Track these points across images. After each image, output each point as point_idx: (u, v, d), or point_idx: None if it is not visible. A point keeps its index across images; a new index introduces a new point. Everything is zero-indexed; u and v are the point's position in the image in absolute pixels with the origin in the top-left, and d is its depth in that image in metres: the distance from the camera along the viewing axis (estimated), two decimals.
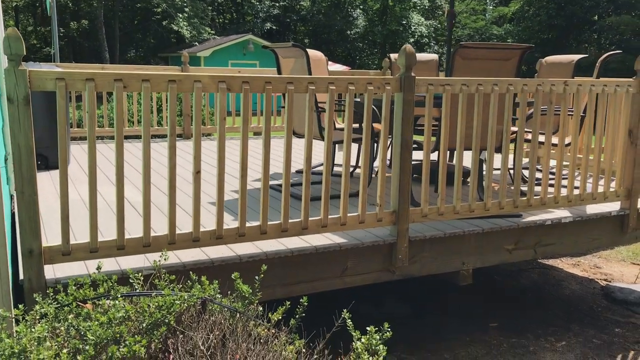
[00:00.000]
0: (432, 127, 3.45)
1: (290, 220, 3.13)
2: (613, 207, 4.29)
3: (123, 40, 34.70)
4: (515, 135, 3.77)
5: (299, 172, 5.47)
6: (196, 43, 27.98)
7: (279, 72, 4.63)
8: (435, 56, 5.96)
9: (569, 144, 4.05)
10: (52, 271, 2.72)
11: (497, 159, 4.45)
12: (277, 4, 34.37)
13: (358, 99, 4.47)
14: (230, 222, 3.36)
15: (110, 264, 2.80)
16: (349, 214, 3.28)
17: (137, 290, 2.20)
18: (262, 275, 2.39)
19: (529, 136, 4.31)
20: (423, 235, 3.54)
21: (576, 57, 5.23)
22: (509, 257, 3.89)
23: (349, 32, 34.47)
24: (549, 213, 4.08)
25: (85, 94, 3.14)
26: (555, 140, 3.99)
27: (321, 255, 3.25)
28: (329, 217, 3.22)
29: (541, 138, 4.11)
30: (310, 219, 3.17)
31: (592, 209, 4.24)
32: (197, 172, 2.85)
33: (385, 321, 3.93)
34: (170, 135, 2.77)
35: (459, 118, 3.50)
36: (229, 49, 25.47)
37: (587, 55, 5.17)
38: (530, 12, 31.28)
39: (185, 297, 1.94)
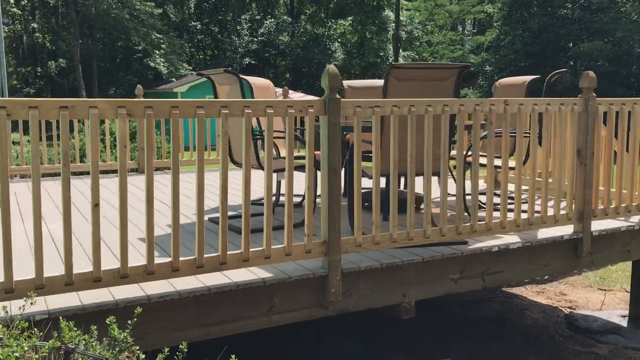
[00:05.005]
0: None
1: (206, 255, 2.89)
2: (566, 230, 4.09)
3: (104, 78, 34.64)
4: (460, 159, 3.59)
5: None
6: (173, 79, 27.93)
7: None
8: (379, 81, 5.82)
9: (512, 168, 3.87)
10: None
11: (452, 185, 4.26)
12: (256, 39, 34.58)
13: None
14: (157, 259, 3.10)
15: None
16: (273, 247, 3.06)
17: None
18: (135, 320, 2.16)
19: (484, 160, 4.15)
20: (357, 267, 3.31)
21: (528, 78, 5.10)
22: (455, 287, 3.66)
23: (327, 65, 34.65)
24: (498, 239, 3.88)
25: None
26: (498, 162, 3.81)
27: (243, 292, 3.01)
28: (251, 250, 2.99)
29: (496, 162, 3.94)
30: (229, 252, 2.94)
31: (545, 233, 4.05)
32: (95, 205, 2.61)
33: None
34: (63, 165, 2.54)
35: (391, 142, 3.31)
36: (205, 84, 25.31)
37: (539, 76, 5.03)
38: (506, 41, 31.66)
39: (25, 349, 1.69)
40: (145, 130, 2.67)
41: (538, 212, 3.95)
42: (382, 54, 33.94)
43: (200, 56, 39.85)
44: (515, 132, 3.75)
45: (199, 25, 36.71)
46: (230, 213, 4.63)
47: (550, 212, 3.98)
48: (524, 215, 3.84)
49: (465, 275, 3.67)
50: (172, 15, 38.90)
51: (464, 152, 3.65)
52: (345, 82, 5.93)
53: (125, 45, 32.51)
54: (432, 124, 3.38)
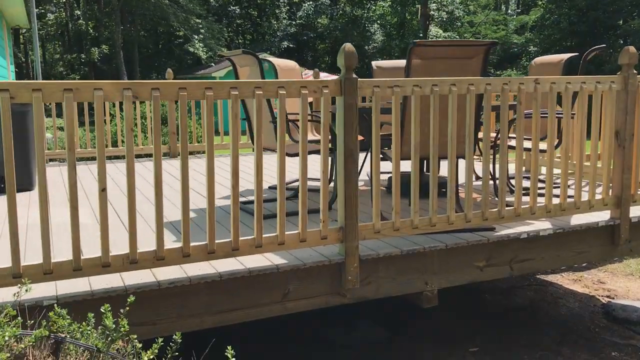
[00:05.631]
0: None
1: (217, 241, 2.82)
2: (602, 216, 3.87)
3: (146, 64, 35.11)
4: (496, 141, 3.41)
5: (272, 188, 5.18)
6: (212, 64, 28.06)
7: None
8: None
9: (544, 150, 3.67)
10: None
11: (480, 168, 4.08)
12: (294, 22, 34.41)
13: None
14: (170, 244, 3.04)
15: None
16: (287, 232, 2.96)
17: None
18: (128, 309, 2.07)
19: (513, 142, 3.97)
20: (376, 254, 3.19)
21: (566, 55, 4.84)
22: (481, 275, 3.50)
23: (366, 47, 34.21)
24: (528, 225, 3.69)
25: None
26: (529, 145, 3.61)
27: (256, 278, 2.93)
28: (264, 236, 2.91)
29: (527, 144, 3.74)
30: (241, 239, 2.86)
31: (579, 219, 3.84)
32: (102, 190, 2.56)
33: (354, 348, 3.54)
34: (68, 150, 2.49)
35: (412, 124, 3.16)
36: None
37: (577, 54, 4.76)
38: (551, 20, 30.62)
39: (6, 338, 1.64)
40: (153, 110, 2.60)
41: (571, 197, 3.74)
42: (421, 35, 33.28)
43: (240, 40, 39.95)
44: (547, 113, 3.55)
45: (238, 10, 36.75)
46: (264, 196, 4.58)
47: (585, 197, 3.77)
48: (555, 200, 3.64)
49: (492, 263, 3.51)
50: (211, 0, 39.05)
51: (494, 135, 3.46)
52: (374, 63, 5.78)
53: (167, 31, 32.84)
54: (457, 105, 3.21)
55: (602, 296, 5.04)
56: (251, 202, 4.30)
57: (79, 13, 34.55)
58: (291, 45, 33.97)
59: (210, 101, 2.71)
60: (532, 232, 3.56)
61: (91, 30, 34.54)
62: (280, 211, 2.92)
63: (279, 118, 2.89)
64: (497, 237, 3.48)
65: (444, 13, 34.79)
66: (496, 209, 3.44)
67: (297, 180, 4.81)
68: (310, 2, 35.32)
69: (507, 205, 3.48)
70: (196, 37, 27.61)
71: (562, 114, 3.72)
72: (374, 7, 35.68)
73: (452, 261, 3.40)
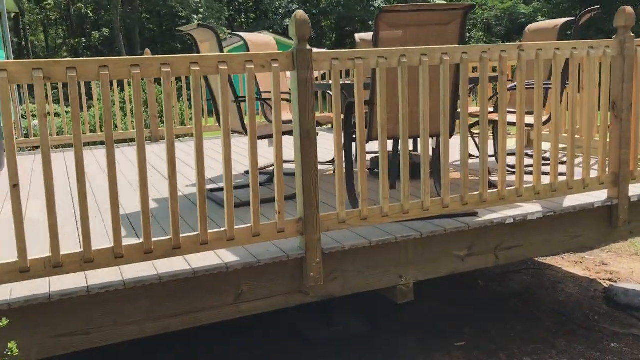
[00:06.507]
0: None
1: (155, 239, 2.50)
2: (599, 196, 3.52)
3: (149, 47, 34.80)
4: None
5: (247, 172, 4.85)
6: None
7: None
8: None
9: (530, 125, 3.31)
10: None
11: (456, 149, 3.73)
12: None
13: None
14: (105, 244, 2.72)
15: None
16: (237, 227, 2.64)
17: None
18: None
19: (495, 117, 3.61)
20: (341, 246, 2.86)
21: (562, 20, 4.44)
22: (462, 266, 3.17)
23: (370, 22, 33.56)
24: (515, 208, 3.35)
25: None
26: (513, 119, 3.24)
27: (203, 279, 2.62)
28: (210, 231, 2.59)
29: (510, 117, 3.38)
30: (183, 235, 2.55)
31: (572, 200, 3.49)
32: (14, 186, 2.25)
33: (332, 344, 3.21)
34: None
35: (378, 100, 2.81)
36: (243, 47, 25.05)
37: (573, 19, 4.35)
38: None
39: None
40: (69, 91, 2.26)
41: (563, 174, 3.39)
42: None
43: (243, 19, 39.39)
44: (532, 84, 3.18)
45: None
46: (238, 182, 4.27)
47: (578, 175, 3.41)
48: (545, 180, 3.29)
49: (475, 252, 3.18)
50: None
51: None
52: (357, 35, 5.41)
53: (169, 12, 32.39)
54: (433, 78, 2.86)
55: (603, 279, 4.69)
56: (220, 189, 3.99)
57: None
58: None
59: (137, 79, 2.37)
60: (519, 217, 3.22)
61: (90, 14, 34.14)
62: (228, 202, 2.60)
63: (221, 98, 2.55)
64: (479, 223, 3.14)
65: None
66: (478, 192, 3.10)
67: (272, 165, 4.48)
68: None
69: (492, 187, 3.14)
70: (195, 17, 27.15)
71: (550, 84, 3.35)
72: None
73: (429, 251, 3.07)
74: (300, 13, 2.62)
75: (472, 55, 2.96)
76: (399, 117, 2.86)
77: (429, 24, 3.13)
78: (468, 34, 34.92)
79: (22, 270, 2.30)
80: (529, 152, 4.57)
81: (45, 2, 34.86)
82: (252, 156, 2.63)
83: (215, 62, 2.50)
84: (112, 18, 31.33)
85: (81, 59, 2.33)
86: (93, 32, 33.09)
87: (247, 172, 4.84)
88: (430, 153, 3.32)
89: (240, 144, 6.20)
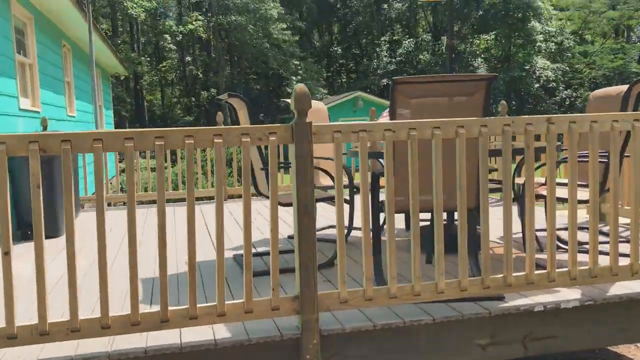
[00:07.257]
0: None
1: (143, 312, 2.48)
2: None
3: (255, 105, 36.49)
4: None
5: (291, 237, 4.80)
6: None
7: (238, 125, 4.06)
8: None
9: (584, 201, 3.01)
10: None
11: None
12: (394, 60, 34.25)
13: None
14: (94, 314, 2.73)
15: None
16: (228, 302, 2.56)
17: None
18: None
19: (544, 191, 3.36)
20: (342, 328, 2.69)
21: (626, 87, 4.10)
22: (484, 356, 2.88)
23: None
24: (550, 293, 3.03)
25: None
26: (563, 194, 2.95)
27: (188, 356, 2.54)
28: (199, 306, 2.53)
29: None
30: (171, 308, 2.51)
31: (621, 287, 3.10)
32: (5, 254, 2.32)
33: None
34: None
35: (386, 174, 2.68)
36: (339, 106, 25.61)
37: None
38: None
39: None
40: (62, 165, 2.33)
41: (626, 255, 3.03)
42: (527, 67, 31.80)
43: (343, 79, 40.33)
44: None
45: (340, 50, 37.26)
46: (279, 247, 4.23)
47: (625, 261, 3.04)
48: (583, 261, 2.96)
49: (498, 341, 2.88)
50: (315, 42, 39.95)
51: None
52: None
53: (275, 73, 33.91)
54: (443, 150, 2.70)
55: None
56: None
57: (189, 59, 36.60)
58: (390, 83, 33.83)
59: (130, 151, 2.41)
60: (550, 304, 2.90)
61: (200, 75, 36.42)
62: (219, 276, 2.54)
63: (217, 168, 2.53)
64: (502, 310, 2.85)
65: (552, 44, 33.06)
66: (502, 275, 2.84)
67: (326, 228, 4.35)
68: (411, 39, 35.06)
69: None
70: (294, 78, 28.18)
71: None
72: (477, 41, 34.74)
73: (445, 338, 2.82)
74: (300, 87, 2.59)
75: (493, 129, 2.77)
76: (409, 192, 2.70)
77: (451, 94, 2.98)
78: (574, 94, 33.59)
79: (10, 336, 2.34)
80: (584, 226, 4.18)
81: (161, 65, 37.61)
82: (245, 232, 2.58)
83: (210, 135, 2.50)
84: (218, 80, 33.25)
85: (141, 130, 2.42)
86: (202, 92, 35.17)
87: (290, 237, 4.79)
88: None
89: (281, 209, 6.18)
